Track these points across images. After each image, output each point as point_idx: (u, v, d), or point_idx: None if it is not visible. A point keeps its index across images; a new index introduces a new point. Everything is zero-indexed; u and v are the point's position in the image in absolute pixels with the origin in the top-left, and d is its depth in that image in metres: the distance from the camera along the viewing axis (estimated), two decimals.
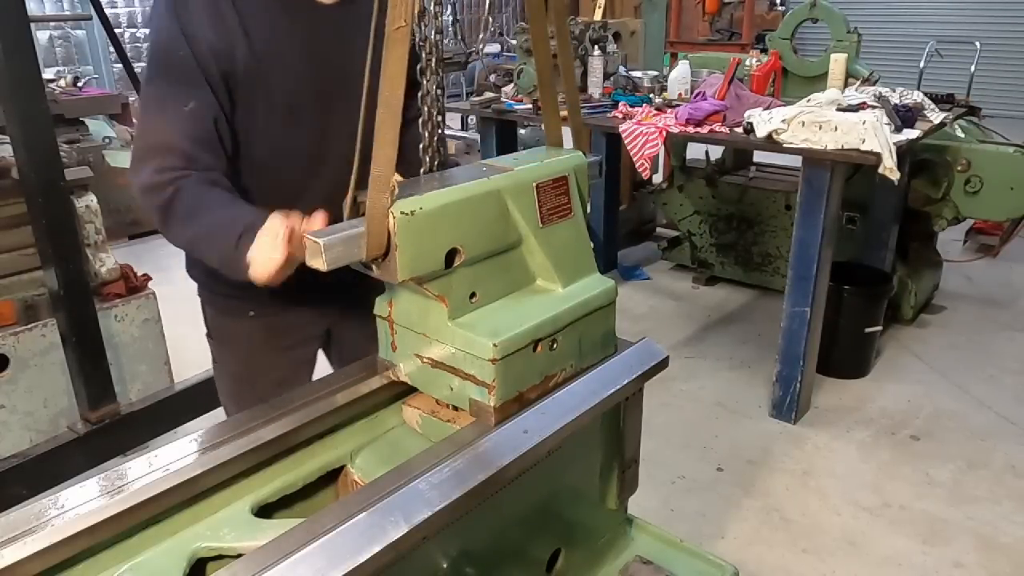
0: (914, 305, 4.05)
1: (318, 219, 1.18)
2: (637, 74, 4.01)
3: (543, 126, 1.36)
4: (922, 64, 4.83)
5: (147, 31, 8.29)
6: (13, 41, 2.11)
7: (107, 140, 3.96)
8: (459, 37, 7.02)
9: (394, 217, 1.02)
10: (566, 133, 1.38)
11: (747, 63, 3.80)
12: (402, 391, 1.29)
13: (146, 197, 1.40)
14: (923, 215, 3.88)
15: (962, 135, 3.79)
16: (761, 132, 2.94)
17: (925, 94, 3.48)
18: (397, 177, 1.04)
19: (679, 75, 3.73)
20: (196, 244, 1.39)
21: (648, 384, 1.37)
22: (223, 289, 1.59)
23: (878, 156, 2.73)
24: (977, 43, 5.64)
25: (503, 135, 4.34)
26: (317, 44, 1.43)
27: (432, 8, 1.15)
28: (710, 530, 2.57)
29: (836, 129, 2.80)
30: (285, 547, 0.90)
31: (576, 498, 1.37)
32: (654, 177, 4.48)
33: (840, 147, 2.79)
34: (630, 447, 1.42)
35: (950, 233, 4.30)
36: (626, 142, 3.27)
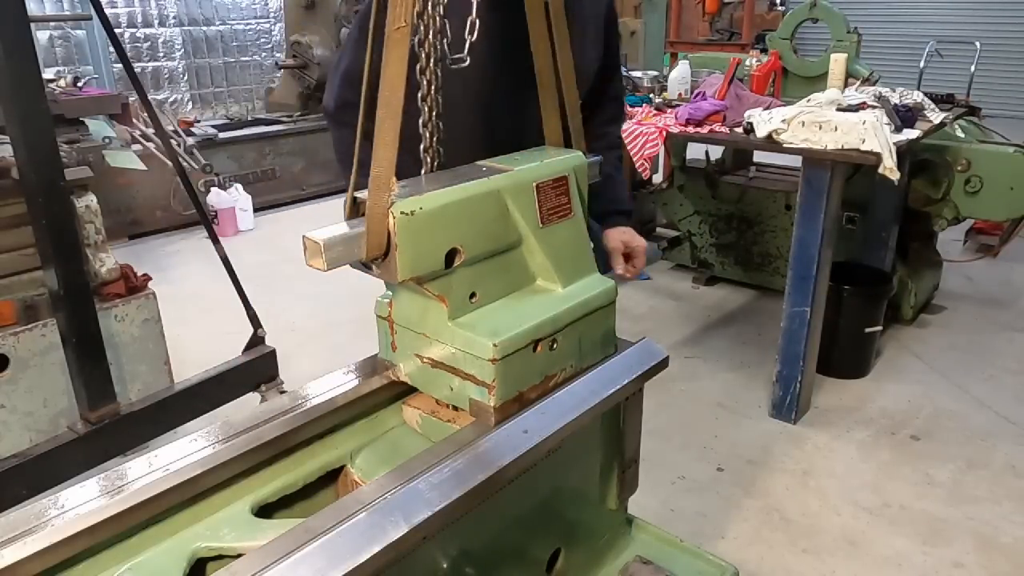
0: (914, 305, 4.05)
1: None
2: (637, 74, 4.02)
3: (544, 126, 1.36)
4: (922, 64, 4.83)
5: (150, 30, 8.30)
6: (13, 41, 2.11)
7: (107, 140, 3.94)
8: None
9: (394, 217, 1.02)
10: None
11: (747, 63, 3.81)
12: (402, 391, 1.29)
13: (328, 122, 1.84)
14: (923, 215, 3.88)
15: (962, 135, 3.79)
16: (761, 132, 2.94)
17: (925, 94, 3.48)
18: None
19: (679, 75, 3.73)
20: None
21: (648, 384, 1.37)
22: None
23: (878, 156, 2.72)
24: (977, 43, 5.64)
25: None
26: (510, 35, 1.42)
27: (431, 9, 1.15)
28: (710, 530, 2.57)
29: (836, 129, 2.80)
30: (285, 547, 0.90)
31: (576, 498, 1.37)
32: (654, 177, 4.48)
33: (840, 147, 2.79)
34: (630, 447, 1.42)
35: (950, 233, 4.30)
36: (626, 142, 3.27)
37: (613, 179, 1.92)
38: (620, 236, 1.90)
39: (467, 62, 1.25)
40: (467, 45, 1.26)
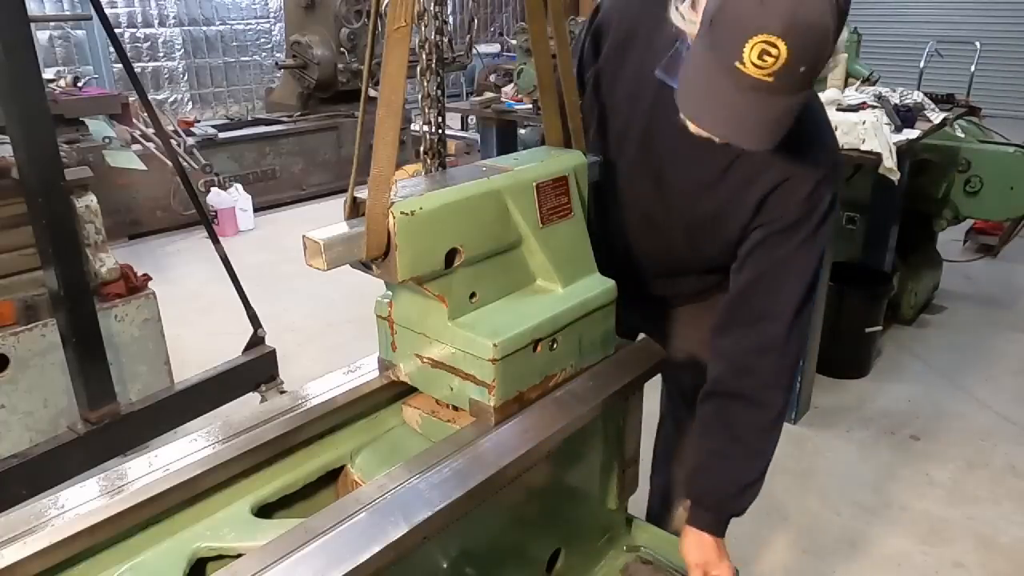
0: (914, 305, 4.05)
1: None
2: None
3: (543, 126, 1.36)
4: (922, 64, 4.83)
5: (150, 30, 8.28)
6: (13, 41, 2.11)
7: (107, 140, 3.95)
8: (448, 40, 7.11)
9: (394, 217, 1.02)
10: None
11: None
12: (402, 391, 1.29)
13: None
14: (923, 215, 3.88)
15: (962, 135, 3.79)
16: None
17: (925, 94, 3.49)
18: (406, 171, 1.05)
19: None
20: None
21: (648, 384, 1.37)
22: None
23: (878, 156, 2.73)
24: (977, 43, 5.64)
25: (503, 135, 4.35)
26: (650, 145, 1.40)
27: (432, 8, 1.15)
28: None
29: (836, 129, 2.80)
30: (285, 547, 0.90)
31: (576, 498, 1.37)
32: None
33: (840, 147, 2.79)
34: (630, 447, 1.42)
35: (950, 233, 4.30)
36: None
37: (722, 457, 1.40)
38: (694, 549, 1.39)
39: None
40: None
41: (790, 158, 1.27)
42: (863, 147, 2.74)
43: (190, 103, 8.79)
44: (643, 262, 1.53)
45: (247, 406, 2.94)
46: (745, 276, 1.37)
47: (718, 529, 1.39)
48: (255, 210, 6.03)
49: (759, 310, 1.36)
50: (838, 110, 2.95)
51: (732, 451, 1.39)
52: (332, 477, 1.23)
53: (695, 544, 1.38)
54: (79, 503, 0.97)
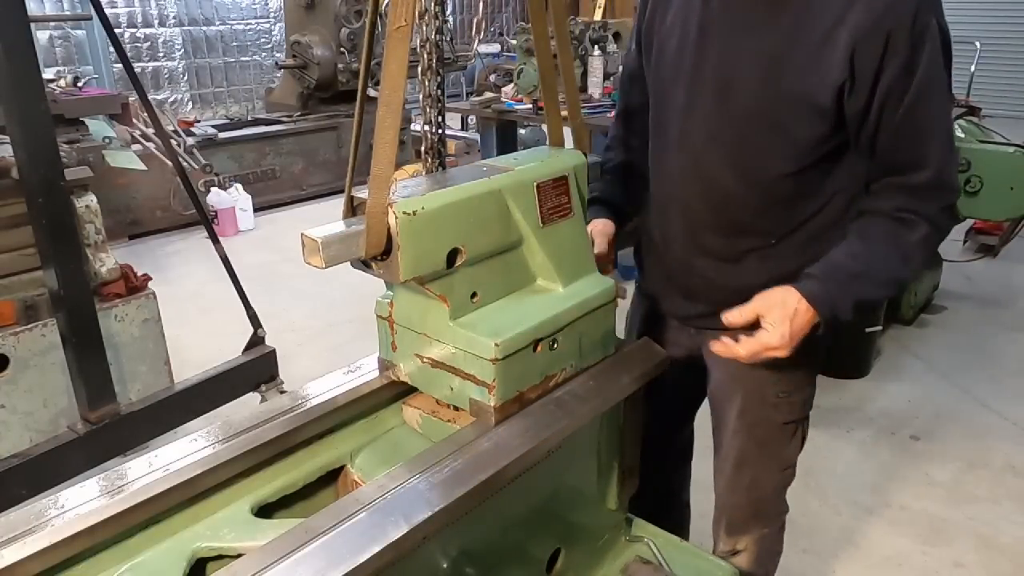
0: (914, 305, 4.05)
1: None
2: None
3: (545, 126, 1.36)
4: None
5: (150, 30, 8.29)
6: (13, 41, 2.11)
7: (107, 140, 3.94)
8: (449, 39, 7.10)
9: (396, 217, 1.02)
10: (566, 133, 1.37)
11: None
12: (402, 391, 1.29)
13: None
14: None
15: (962, 135, 3.79)
16: None
17: None
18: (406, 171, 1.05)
19: None
20: None
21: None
22: None
23: None
24: (977, 43, 5.64)
25: (503, 135, 4.35)
26: (705, 41, 1.38)
27: (432, 8, 1.15)
28: (710, 530, 2.57)
29: None
30: (285, 547, 0.90)
31: (576, 498, 1.37)
32: None
33: None
34: (630, 447, 1.42)
35: (950, 233, 4.29)
36: None
37: (851, 242, 1.33)
38: (772, 296, 1.27)
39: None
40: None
41: None
42: None
43: (190, 103, 8.79)
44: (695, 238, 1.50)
45: (247, 406, 2.94)
46: (881, 143, 1.29)
47: (819, 300, 1.24)
48: (255, 210, 6.03)
49: (905, 165, 1.31)
50: None
51: (870, 242, 1.31)
52: (332, 477, 1.22)
53: (775, 293, 1.25)
54: (79, 503, 0.96)
